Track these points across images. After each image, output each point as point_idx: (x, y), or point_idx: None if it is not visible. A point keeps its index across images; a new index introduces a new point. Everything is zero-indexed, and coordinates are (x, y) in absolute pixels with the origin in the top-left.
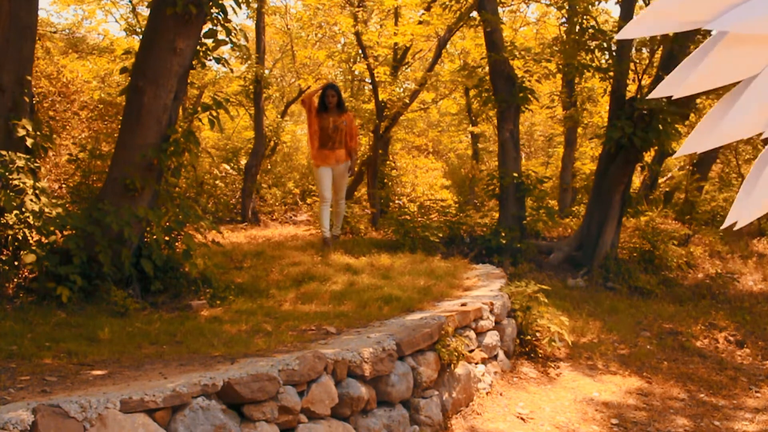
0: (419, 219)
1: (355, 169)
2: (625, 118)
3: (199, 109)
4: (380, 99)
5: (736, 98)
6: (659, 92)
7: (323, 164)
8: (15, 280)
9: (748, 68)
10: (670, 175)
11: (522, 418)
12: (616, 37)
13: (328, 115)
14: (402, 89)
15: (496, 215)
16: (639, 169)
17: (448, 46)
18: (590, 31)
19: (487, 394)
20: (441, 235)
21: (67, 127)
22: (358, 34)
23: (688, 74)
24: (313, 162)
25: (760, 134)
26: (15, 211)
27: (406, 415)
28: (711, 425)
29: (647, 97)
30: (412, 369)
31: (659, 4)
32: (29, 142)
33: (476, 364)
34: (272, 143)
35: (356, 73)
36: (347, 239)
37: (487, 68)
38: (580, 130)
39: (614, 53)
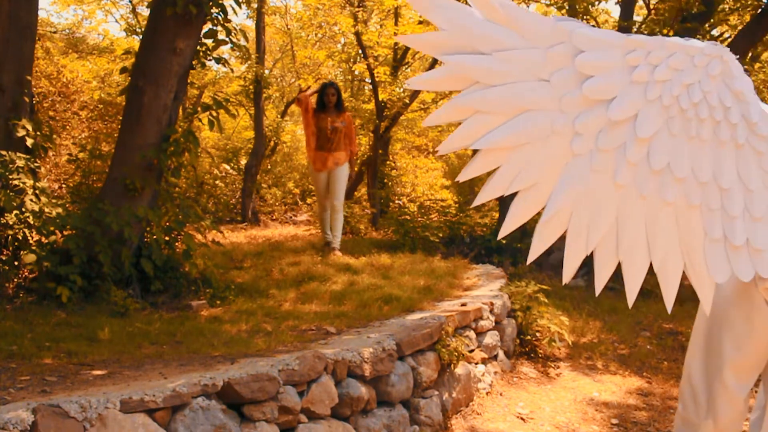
0: (419, 219)
1: (353, 171)
2: None
3: (199, 109)
4: (380, 99)
5: (493, 175)
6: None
7: (322, 168)
8: (15, 280)
9: (497, 162)
10: None
11: (522, 418)
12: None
13: (326, 114)
14: (402, 89)
15: (496, 215)
16: None
17: None
18: None
19: (487, 394)
20: (441, 235)
21: (67, 127)
22: (358, 34)
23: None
24: (311, 166)
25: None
26: (15, 211)
27: (406, 415)
28: None
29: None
30: (412, 369)
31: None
32: (29, 142)
33: (476, 364)
34: (272, 143)
35: (356, 73)
36: (347, 239)
37: None
38: None
39: None
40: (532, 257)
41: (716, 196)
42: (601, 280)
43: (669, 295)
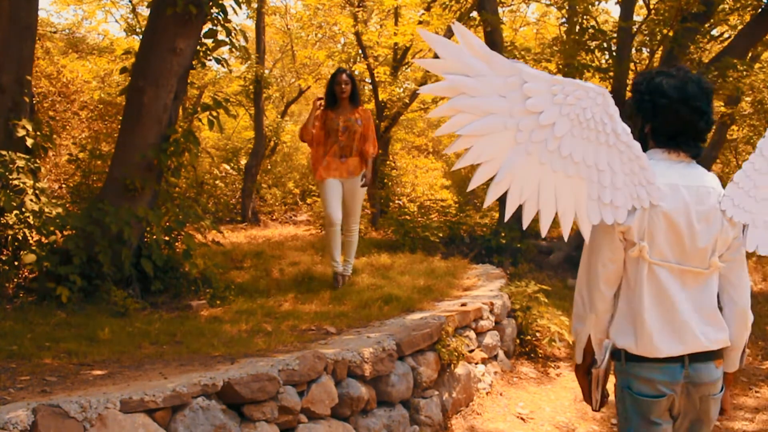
0: (419, 219)
1: (370, 177)
2: (625, 117)
3: (199, 109)
4: (380, 99)
5: (468, 152)
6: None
7: (329, 176)
8: (15, 280)
9: (471, 144)
10: None
11: (522, 418)
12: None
13: (336, 113)
14: (402, 89)
15: (496, 215)
16: None
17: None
18: (590, 31)
19: (487, 394)
20: (441, 235)
21: (67, 127)
22: (358, 34)
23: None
24: (315, 175)
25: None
26: (15, 211)
27: (406, 415)
28: None
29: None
30: (412, 369)
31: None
32: (29, 142)
33: (476, 364)
34: (272, 143)
35: (356, 73)
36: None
37: None
38: None
39: (614, 53)
40: (487, 203)
41: (595, 174)
42: (526, 221)
43: (565, 227)
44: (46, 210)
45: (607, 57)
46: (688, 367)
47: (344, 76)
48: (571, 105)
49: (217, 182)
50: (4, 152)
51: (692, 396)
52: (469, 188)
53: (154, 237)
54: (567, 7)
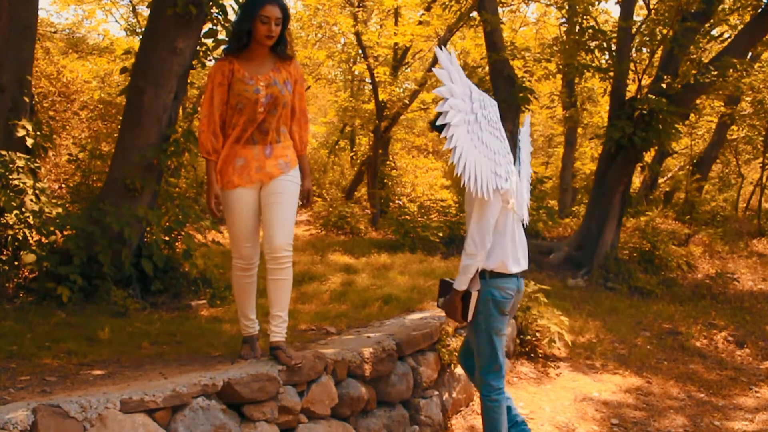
0: (419, 219)
1: (310, 188)
2: (625, 118)
3: (199, 108)
4: (380, 99)
5: (451, 136)
6: None
7: (244, 182)
8: (15, 280)
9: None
10: (670, 175)
11: None
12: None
13: (250, 69)
14: (402, 89)
15: None
16: (639, 169)
17: (448, 46)
18: (590, 31)
19: None
20: (441, 235)
21: (67, 127)
22: (358, 34)
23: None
24: (215, 179)
25: (762, 135)
26: (15, 211)
27: (406, 415)
28: (711, 425)
29: None
30: (412, 369)
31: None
32: (29, 142)
33: None
34: None
35: (356, 73)
36: (347, 240)
37: (487, 68)
38: (580, 130)
39: (614, 53)
40: (450, 177)
41: (493, 156)
42: (459, 176)
43: (485, 192)
44: (46, 210)
45: (607, 57)
46: (519, 280)
47: (277, 8)
48: (486, 110)
49: None
50: (4, 152)
51: (516, 298)
52: (454, 174)
53: (154, 237)
54: (567, 7)
